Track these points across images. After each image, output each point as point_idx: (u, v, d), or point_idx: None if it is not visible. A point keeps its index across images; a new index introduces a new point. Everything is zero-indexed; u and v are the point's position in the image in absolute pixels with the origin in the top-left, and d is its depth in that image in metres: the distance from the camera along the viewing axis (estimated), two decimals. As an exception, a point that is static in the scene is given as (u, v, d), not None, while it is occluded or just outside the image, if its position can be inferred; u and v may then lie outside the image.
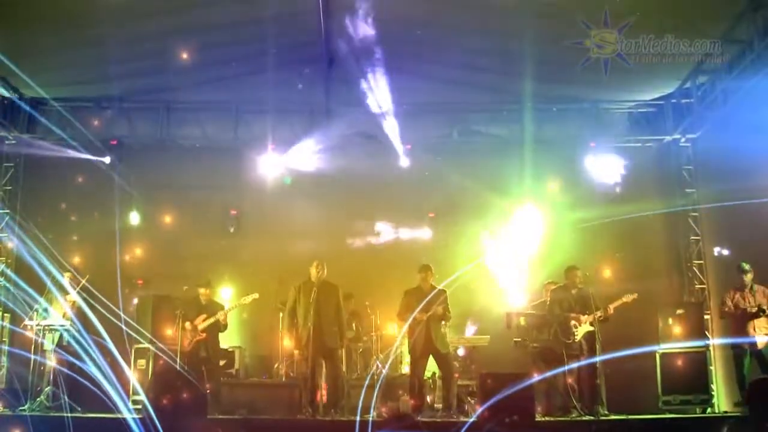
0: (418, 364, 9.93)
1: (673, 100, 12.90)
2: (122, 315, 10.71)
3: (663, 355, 11.16)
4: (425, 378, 10.52)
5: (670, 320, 11.47)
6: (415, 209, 13.10)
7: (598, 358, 9.69)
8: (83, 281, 10.46)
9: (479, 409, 8.85)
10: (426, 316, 9.68)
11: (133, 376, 11.07)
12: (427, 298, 9.74)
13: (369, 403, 9.90)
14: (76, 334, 10.04)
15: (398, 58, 12.01)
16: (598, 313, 9.76)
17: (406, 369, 11.15)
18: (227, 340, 11.92)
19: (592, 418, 9.21)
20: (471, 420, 8.37)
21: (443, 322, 9.92)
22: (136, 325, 11.39)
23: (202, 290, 10.99)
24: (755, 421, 4.06)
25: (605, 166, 12.80)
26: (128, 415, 8.56)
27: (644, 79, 11.85)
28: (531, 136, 12.73)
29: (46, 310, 10.21)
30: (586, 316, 9.83)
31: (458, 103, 13.15)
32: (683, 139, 13.19)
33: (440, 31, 11.32)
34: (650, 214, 12.58)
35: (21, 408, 9.60)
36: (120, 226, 12.75)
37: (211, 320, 10.72)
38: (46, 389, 9.92)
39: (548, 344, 10.42)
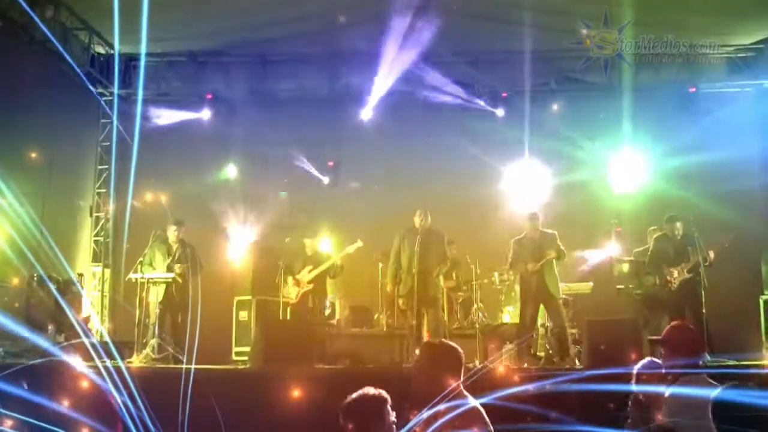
0: (527, 312, 9.80)
1: (774, 43, 12.60)
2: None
3: (767, 301, 10.99)
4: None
5: (774, 264, 11.30)
6: (513, 157, 12.95)
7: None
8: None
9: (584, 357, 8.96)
10: (539, 265, 9.63)
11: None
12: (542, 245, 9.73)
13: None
14: (180, 287, 10.26)
15: (493, 5, 11.87)
16: (697, 261, 9.62)
17: (506, 318, 11.19)
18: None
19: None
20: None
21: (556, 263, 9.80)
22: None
23: (307, 241, 11.02)
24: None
25: (702, 113, 12.57)
26: (230, 366, 8.69)
27: (743, 22, 11.57)
28: (629, 83, 12.52)
29: (150, 263, 10.36)
30: (683, 264, 9.73)
31: (555, 50, 12.95)
32: (783, 83, 12.88)
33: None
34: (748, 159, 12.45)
35: (128, 360, 9.57)
36: (217, 180, 12.95)
37: (324, 266, 10.72)
38: (152, 341, 9.90)
39: (652, 291, 10.40)
